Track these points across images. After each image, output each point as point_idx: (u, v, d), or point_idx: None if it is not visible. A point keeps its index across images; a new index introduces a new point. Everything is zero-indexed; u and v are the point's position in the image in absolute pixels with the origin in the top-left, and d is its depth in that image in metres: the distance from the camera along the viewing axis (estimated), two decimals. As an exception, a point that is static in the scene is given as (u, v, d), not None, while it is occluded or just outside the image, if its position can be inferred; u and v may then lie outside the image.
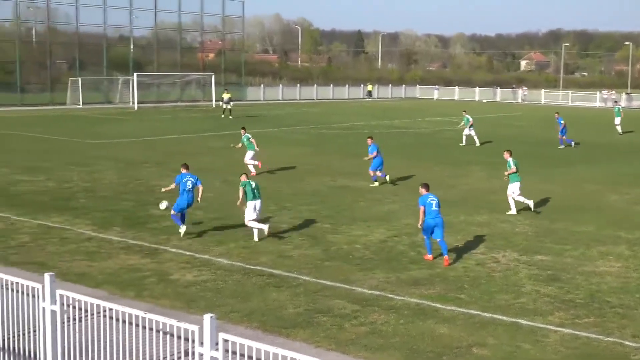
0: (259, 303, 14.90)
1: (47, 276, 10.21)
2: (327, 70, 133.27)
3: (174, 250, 18.86)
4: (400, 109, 79.56)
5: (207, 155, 37.23)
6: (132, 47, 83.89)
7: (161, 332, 9.43)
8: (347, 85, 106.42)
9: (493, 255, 19.11)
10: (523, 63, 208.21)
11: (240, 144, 32.65)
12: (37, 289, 10.34)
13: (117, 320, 9.67)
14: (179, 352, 9.60)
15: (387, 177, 29.92)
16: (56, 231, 20.54)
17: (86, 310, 10.05)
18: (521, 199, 24.70)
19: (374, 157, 29.53)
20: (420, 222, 18.28)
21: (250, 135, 32.55)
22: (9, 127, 50.27)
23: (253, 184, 20.32)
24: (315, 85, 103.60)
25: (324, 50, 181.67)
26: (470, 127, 45.01)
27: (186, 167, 20.95)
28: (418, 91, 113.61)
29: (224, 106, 64.40)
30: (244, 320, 13.88)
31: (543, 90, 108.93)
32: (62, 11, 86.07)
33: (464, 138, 45.28)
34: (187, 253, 18.56)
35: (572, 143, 45.46)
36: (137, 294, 15.30)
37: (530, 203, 24.71)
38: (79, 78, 75.11)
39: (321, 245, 19.75)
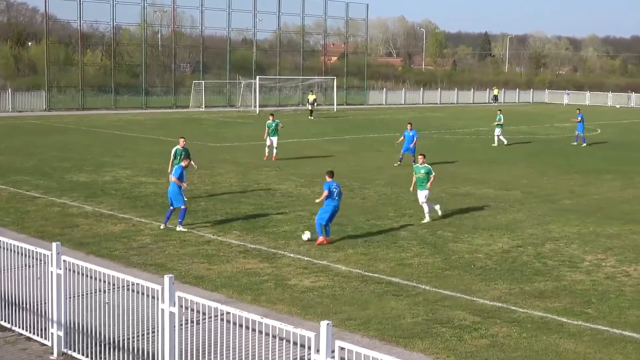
0: (377, 311, 14.89)
1: (166, 278, 10.49)
2: (452, 74, 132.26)
3: (292, 255, 19.05)
4: (527, 115, 78.18)
5: (327, 159, 37.47)
6: (255, 50, 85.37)
7: (277, 338, 9.55)
8: (472, 90, 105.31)
9: (624, 269, 18.51)
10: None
11: (267, 130, 36.77)
12: (157, 290, 10.62)
13: (234, 324, 9.85)
14: (294, 359, 9.69)
15: (399, 163, 35.33)
16: (176, 234, 21.07)
17: (204, 313, 10.27)
18: (426, 207, 23.73)
19: (403, 141, 35.60)
20: (319, 200, 20.77)
21: (279, 122, 36.99)
22: (133, 129, 51.94)
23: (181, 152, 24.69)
24: (439, 89, 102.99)
25: (449, 53, 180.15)
26: (498, 126, 46.65)
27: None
28: (547, 96, 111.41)
29: (310, 107, 69.17)
30: (361, 329, 13.90)
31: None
32: (188, 15, 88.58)
33: (495, 139, 46.77)
34: (305, 258, 18.73)
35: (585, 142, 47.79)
36: (254, 298, 15.53)
37: (428, 216, 23.62)
38: (202, 81, 77.05)
39: (442, 253, 19.59)
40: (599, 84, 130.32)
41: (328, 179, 20.52)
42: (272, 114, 38.01)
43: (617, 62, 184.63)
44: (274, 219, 23.15)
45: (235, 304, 14.25)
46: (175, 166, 22.50)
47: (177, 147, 26.01)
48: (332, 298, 15.65)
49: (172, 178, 21.74)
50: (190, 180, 29.59)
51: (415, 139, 35.51)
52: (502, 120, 46.59)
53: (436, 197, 27.77)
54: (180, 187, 21.49)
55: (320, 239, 20.21)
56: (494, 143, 46.52)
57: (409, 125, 36.17)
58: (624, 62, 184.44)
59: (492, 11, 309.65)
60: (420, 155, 24.97)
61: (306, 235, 20.55)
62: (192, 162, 24.87)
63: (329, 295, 15.85)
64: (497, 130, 46.64)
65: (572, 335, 13.87)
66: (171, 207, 21.61)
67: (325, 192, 20.27)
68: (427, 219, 23.34)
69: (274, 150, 36.51)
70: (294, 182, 30.28)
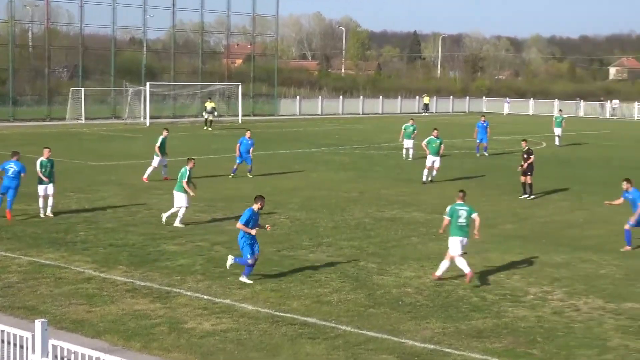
0: (289, 357, 14.91)
1: (38, 323, 10.32)
2: (376, 79, 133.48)
3: (189, 293, 18.95)
4: (462, 126, 79.37)
5: (229, 180, 37.42)
6: (144, 51, 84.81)
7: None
8: (399, 97, 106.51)
9: (573, 303, 18.95)
10: (612, 71, 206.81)
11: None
12: (26, 338, 10.44)
13: (119, 376, 9.75)
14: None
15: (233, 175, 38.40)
16: (50, 270, 20.75)
17: (82, 364, 10.13)
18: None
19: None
20: None
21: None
22: (-2, 146, 50.99)
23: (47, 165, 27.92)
24: (361, 97, 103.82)
25: (373, 56, 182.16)
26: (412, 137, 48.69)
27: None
28: (485, 104, 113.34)
29: (206, 117, 70.30)
30: (271, 378, 13.90)
31: (636, 104, 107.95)
32: (64, 10, 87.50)
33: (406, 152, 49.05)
34: (205, 297, 18.65)
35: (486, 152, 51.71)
36: (144, 345, 15.39)
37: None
38: (82, 88, 75.98)
39: (365, 288, 19.71)
40: (544, 90, 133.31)
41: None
42: (166, 128, 39.42)
43: (564, 65, 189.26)
44: (167, 251, 22.98)
45: (121, 353, 14.10)
46: (246, 211, 20.70)
47: (42, 158, 28.08)
48: (236, 343, 15.61)
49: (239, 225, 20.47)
50: (67, 206, 29.27)
51: (251, 148, 38.63)
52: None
53: (359, 221, 28.02)
54: (248, 234, 20.16)
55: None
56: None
57: (247, 132, 39.85)
58: (572, 65, 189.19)
59: (422, 7, 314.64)
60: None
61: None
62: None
63: (233, 340, 15.80)
64: (409, 143, 48.38)
65: (515, 380, 14.11)
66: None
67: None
68: None
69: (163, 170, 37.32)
70: (191, 207, 30.11)
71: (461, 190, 21.61)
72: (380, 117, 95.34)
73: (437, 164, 38.36)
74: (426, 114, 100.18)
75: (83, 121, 73.51)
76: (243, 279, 20.05)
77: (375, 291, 19.49)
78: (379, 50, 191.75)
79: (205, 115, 70.53)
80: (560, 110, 72.27)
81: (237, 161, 38.96)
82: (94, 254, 22.53)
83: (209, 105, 71.18)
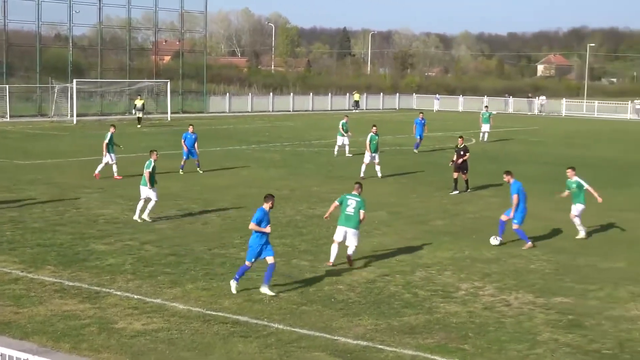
0: (222, 356, 14.89)
1: (-37, 325, 10.20)
2: (306, 76, 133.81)
3: (119, 293, 18.81)
4: (393, 123, 79.91)
5: (160, 178, 37.13)
6: (71, 48, 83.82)
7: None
8: (329, 94, 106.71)
9: (503, 298, 19.20)
10: (540, 67, 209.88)
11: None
12: (-48, 340, 10.31)
13: (48, 377, 9.66)
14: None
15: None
16: (-24, 271, 20.48)
17: (11, 366, 10.03)
18: None
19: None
20: None
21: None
22: None
23: None
24: (291, 94, 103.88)
25: (303, 53, 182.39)
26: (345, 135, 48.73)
27: None
28: (415, 101, 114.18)
29: (137, 114, 70.30)
30: (203, 378, 13.88)
31: (564, 100, 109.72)
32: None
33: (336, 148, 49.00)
34: (135, 297, 18.53)
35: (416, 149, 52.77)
36: (73, 346, 15.24)
37: None
38: (6, 86, 74.97)
39: (297, 286, 19.76)
40: (474, 87, 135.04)
41: None
42: (113, 125, 40.29)
43: (493, 62, 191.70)
44: (96, 251, 22.79)
45: (50, 354, 13.98)
46: (258, 210, 19.58)
47: None
48: (168, 343, 15.55)
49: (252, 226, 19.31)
50: (-7, 206, 28.88)
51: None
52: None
53: (290, 219, 28.06)
54: (261, 235, 19.15)
55: None
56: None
57: (190, 127, 41.11)
58: (501, 62, 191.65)
59: (352, 4, 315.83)
60: None
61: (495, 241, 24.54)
62: None
63: (165, 339, 15.73)
64: (344, 140, 48.39)
65: (447, 375, 14.26)
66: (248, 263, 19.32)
67: None
68: None
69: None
70: (120, 206, 29.93)
71: (357, 182, 22.81)
72: (310, 114, 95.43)
73: (377, 159, 39.07)
74: (357, 110, 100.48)
75: (8, 119, 72.49)
76: (233, 284, 19.02)
77: (307, 288, 19.55)
78: (308, 47, 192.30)
79: (137, 114, 70.17)
80: (486, 106, 72.47)
81: (184, 157, 39.75)
82: (21, 254, 22.26)
83: (139, 102, 70.91)
